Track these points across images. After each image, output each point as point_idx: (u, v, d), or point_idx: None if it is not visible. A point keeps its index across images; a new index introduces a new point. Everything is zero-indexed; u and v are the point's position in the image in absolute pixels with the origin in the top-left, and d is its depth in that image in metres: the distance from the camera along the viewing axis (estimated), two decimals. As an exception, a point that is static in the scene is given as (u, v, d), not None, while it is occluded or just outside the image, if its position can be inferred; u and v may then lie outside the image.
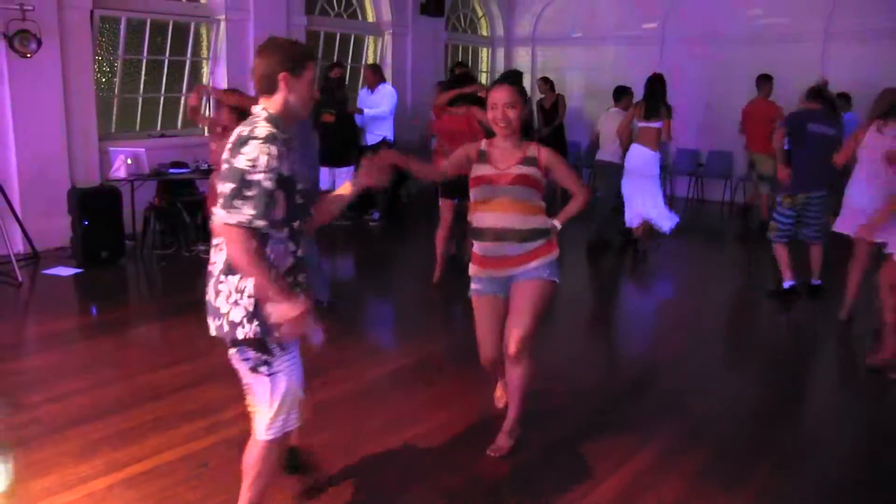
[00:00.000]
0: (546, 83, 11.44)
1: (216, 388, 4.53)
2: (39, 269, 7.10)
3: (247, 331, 2.61)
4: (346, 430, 3.99)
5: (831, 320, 6.02)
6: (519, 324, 3.54)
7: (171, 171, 7.98)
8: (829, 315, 6.11)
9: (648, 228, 8.27)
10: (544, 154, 3.56)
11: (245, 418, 4.02)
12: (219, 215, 2.52)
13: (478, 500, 3.39)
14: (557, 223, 3.70)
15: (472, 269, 3.72)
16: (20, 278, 6.59)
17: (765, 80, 9.58)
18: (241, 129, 2.60)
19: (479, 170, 3.59)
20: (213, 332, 2.71)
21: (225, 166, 2.56)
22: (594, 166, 9.32)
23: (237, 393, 4.26)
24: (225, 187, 2.51)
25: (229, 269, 2.62)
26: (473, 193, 3.63)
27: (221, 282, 2.64)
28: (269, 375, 2.73)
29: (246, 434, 3.88)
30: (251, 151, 2.50)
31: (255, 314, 2.60)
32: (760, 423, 4.30)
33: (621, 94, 8.45)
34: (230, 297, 2.62)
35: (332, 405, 4.30)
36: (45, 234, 7.50)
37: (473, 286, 3.72)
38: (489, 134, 3.89)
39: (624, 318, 6.84)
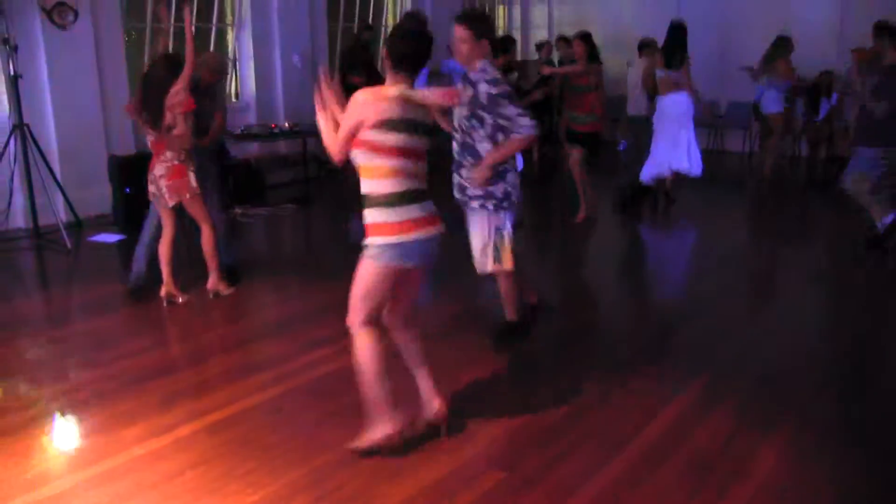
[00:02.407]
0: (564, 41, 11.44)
1: (273, 342, 4.80)
2: (84, 237, 7.31)
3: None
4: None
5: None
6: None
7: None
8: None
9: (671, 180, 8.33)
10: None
11: (307, 368, 4.28)
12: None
13: (537, 436, 3.57)
14: None
15: None
16: (69, 245, 6.81)
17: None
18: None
19: None
20: None
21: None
22: (624, 119, 9.32)
23: (295, 347, 4.56)
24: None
25: None
26: None
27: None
28: None
29: (312, 383, 4.11)
30: None
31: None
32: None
33: (644, 45, 8.48)
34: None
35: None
36: (85, 201, 7.71)
37: None
38: None
39: (654, 267, 7.05)
